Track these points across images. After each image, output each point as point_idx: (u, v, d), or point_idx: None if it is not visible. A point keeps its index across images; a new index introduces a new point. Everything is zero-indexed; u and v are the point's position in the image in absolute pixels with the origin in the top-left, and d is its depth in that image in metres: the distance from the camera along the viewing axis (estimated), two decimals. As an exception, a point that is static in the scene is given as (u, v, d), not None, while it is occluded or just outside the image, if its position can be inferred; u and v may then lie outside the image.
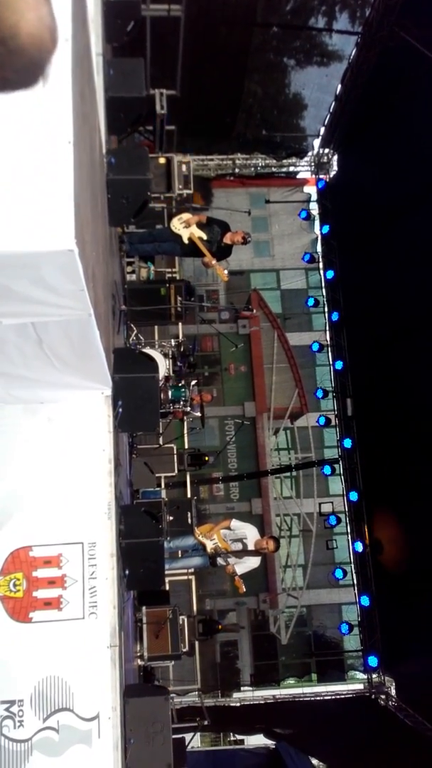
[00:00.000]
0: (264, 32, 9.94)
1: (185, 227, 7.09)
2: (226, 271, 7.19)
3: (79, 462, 4.62)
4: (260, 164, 12.66)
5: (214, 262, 7.03)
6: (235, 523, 7.03)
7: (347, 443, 11.97)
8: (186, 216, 7.23)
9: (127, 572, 5.19)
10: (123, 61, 6.16)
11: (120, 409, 4.83)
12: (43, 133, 2.59)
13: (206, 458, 11.20)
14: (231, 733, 13.73)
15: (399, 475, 9.81)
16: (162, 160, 9.00)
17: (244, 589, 6.55)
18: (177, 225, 7.15)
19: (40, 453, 4.62)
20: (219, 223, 7.31)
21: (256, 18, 9.36)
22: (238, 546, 6.73)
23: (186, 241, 7.11)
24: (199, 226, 7.14)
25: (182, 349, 9.48)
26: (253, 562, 6.78)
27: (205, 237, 7.08)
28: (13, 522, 4.46)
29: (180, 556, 7.64)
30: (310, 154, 12.57)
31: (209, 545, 6.76)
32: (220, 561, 6.67)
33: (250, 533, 6.85)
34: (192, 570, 9.80)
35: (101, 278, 4.20)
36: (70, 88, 2.63)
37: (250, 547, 6.72)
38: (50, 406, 4.65)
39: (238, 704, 11.98)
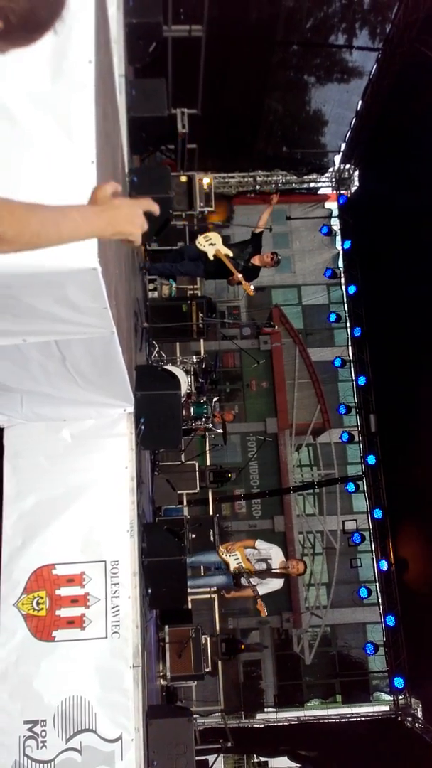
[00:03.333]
0: (284, 50, 10.00)
1: (211, 245, 6.94)
2: (252, 286, 7.02)
3: (102, 480, 4.61)
4: (281, 181, 12.68)
5: (240, 276, 6.85)
6: (260, 543, 6.94)
7: (371, 460, 11.84)
8: (212, 235, 7.11)
9: (149, 591, 5.15)
10: (145, 82, 6.24)
11: (142, 426, 4.82)
12: (66, 153, 2.61)
13: (229, 475, 11.14)
14: (255, 756, 13.53)
15: (424, 492, 9.66)
16: (183, 179, 9.06)
17: (266, 613, 6.45)
18: (202, 242, 7.01)
19: (63, 471, 4.62)
20: (253, 244, 7.18)
21: (276, 36, 9.42)
22: (263, 566, 6.64)
23: (211, 257, 6.94)
24: (227, 244, 7.03)
25: (204, 366, 9.48)
26: (275, 584, 6.69)
27: (231, 254, 6.94)
28: (36, 540, 4.46)
29: (202, 573, 7.57)
30: (331, 169, 12.58)
31: (233, 564, 6.67)
32: (243, 582, 6.58)
33: (275, 554, 6.76)
34: (214, 589, 9.71)
35: (124, 296, 4.21)
36: (93, 109, 2.66)
37: (275, 567, 6.63)
38: (73, 424, 4.66)
39: (261, 725, 11.81)
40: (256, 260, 7.12)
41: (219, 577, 7.11)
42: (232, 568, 6.68)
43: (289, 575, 6.82)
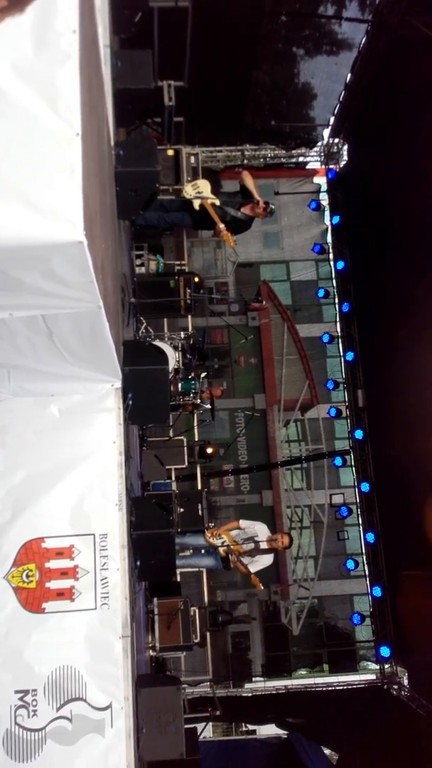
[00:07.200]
0: (273, 21, 9.85)
1: (198, 193, 6.55)
2: (234, 238, 6.53)
3: (90, 454, 4.64)
4: (269, 155, 12.58)
5: (221, 226, 6.44)
6: (244, 522, 6.99)
7: (358, 434, 11.95)
8: (201, 182, 6.73)
9: (138, 563, 5.22)
10: (131, 53, 6.15)
11: (130, 402, 4.84)
12: (51, 125, 2.59)
13: (210, 451, 11.17)
14: (243, 724, 13.80)
15: (410, 466, 9.78)
16: (170, 152, 8.95)
17: (262, 587, 6.51)
18: (190, 191, 6.62)
19: (51, 445, 4.64)
20: (243, 194, 6.79)
21: (264, 7, 9.28)
22: (250, 545, 6.69)
23: (197, 207, 6.56)
24: (216, 192, 6.66)
25: (192, 342, 9.47)
26: (266, 560, 6.75)
27: (217, 202, 6.55)
28: (25, 514, 4.49)
29: (190, 553, 7.61)
30: (319, 143, 12.49)
31: (219, 544, 6.72)
32: (232, 564, 6.65)
33: (260, 529, 6.82)
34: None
35: (110, 271, 4.20)
36: (77, 79, 2.63)
37: (263, 544, 6.69)
38: (60, 399, 4.67)
39: (249, 694, 12.04)
40: (247, 210, 6.73)
41: (207, 558, 7.16)
42: (220, 551, 6.73)
43: (276, 549, 6.88)
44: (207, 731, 10.15)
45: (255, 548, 6.69)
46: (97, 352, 4.04)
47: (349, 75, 10.57)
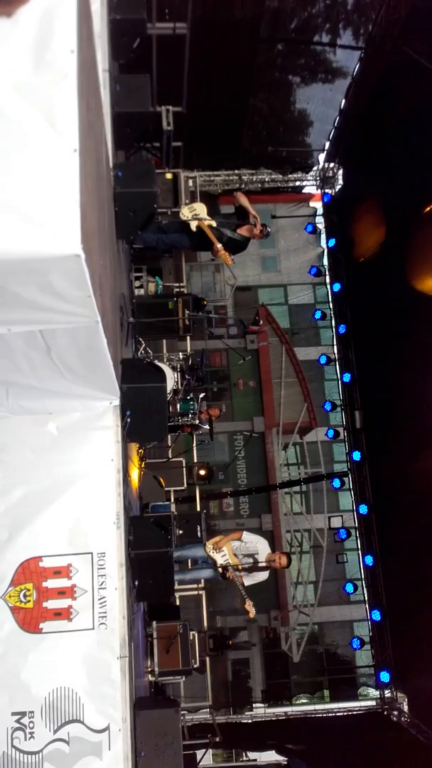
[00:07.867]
0: (269, 50, 10.07)
1: (195, 215, 6.64)
2: (232, 257, 6.60)
3: (88, 472, 4.63)
4: (266, 179, 12.76)
5: (219, 246, 6.51)
6: (247, 536, 6.95)
7: (356, 456, 11.93)
8: (197, 205, 6.81)
9: (136, 583, 5.17)
10: (129, 78, 6.27)
11: (128, 419, 4.84)
12: (49, 140, 2.63)
13: (205, 474, 11.16)
14: (244, 753, 13.54)
15: (408, 486, 9.74)
16: (169, 176, 9.06)
17: (254, 613, 6.46)
18: (186, 213, 6.71)
19: (49, 463, 4.63)
20: (239, 215, 6.88)
21: (260, 36, 9.47)
22: (249, 561, 6.66)
23: (194, 229, 6.65)
24: (213, 214, 6.72)
25: (190, 363, 9.49)
26: (261, 576, 6.72)
27: (214, 224, 6.64)
28: (23, 533, 4.47)
29: (190, 567, 7.57)
30: (315, 168, 12.67)
31: (220, 560, 6.69)
32: (230, 575, 6.61)
33: (261, 547, 6.79)
34: (202, 585, 9.74)
35: (108, 288, 4.23)
36: (75, 97, 2.68)
37: (261, 561, 6.66)
38: (59, 417, 4.67)
39: (249, 721, 11.85)
40: (243, 231, 6.80)
41: (207, 570, 7.14)
42: (219, 565, 6.69)
43: (275, 568, 6.84)
44: (207, 760, 9.96)
45: (253, 565, 6.66)
46: (95, 368, 4.04)
47: (343, 101, 10.75)
